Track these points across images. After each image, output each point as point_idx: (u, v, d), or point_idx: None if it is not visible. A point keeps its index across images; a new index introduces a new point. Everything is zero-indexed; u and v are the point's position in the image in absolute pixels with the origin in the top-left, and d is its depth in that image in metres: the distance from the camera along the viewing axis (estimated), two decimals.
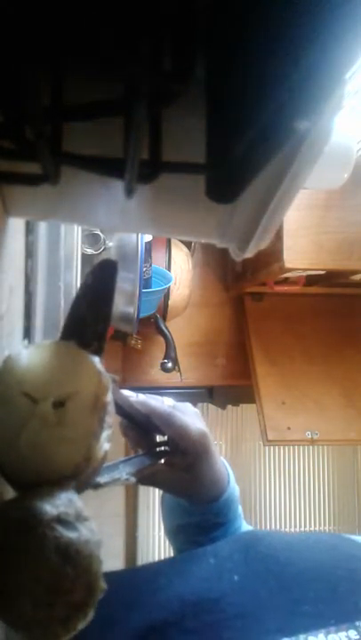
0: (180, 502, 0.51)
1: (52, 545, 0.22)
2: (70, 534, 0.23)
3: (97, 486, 0.37)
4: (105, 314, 0.29)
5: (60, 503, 0.24)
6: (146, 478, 0.47)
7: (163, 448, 0.49)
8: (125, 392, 0.47)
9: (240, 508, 0.54)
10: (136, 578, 0.46)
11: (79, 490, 0.26)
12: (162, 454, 0.49)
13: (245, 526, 0.57)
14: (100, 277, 0.30)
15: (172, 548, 0.58)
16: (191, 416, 0.48)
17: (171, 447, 0.49)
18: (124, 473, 0.42)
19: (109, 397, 0.27)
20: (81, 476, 0.25)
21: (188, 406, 0.50)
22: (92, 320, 0.29)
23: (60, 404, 0.25)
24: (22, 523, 0.23)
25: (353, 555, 0.42)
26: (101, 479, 0.39)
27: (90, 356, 0.27)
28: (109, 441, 0.27)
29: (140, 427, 0.48)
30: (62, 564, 0.23)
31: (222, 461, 0.52)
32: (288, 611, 0.36)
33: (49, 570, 0.22)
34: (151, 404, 0.47)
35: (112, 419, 0.27)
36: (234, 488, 0.52)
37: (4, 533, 0.23)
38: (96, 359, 0.27)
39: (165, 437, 0.49)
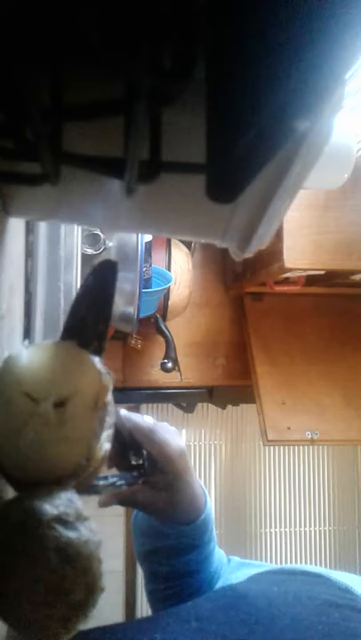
0: (153, 525, 0.51)
1: (51, 545, 0.22)
2: (70, 534, 0.23)
3: (96, 491, 0.37)
4: (105, 314, 0.29)
5: (59, 503, 0.24)
6: (126, 499, 0.48)
7: (138, 471, 0.50)
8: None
9: (215, 531, 0.54)
10: (120, 632, 0.46)
11: (80, 490, 0.26)
12: (140, 475, 0.49)
13: (218, 551, 0.57)
14: (101, 278, 0.30)
15: (143, 575, 0.58)
16: (171, 434, 0.49)
17: (150, 465, 0.49)
18: (117, 481, 0.42)
19: (110, 397, 0.27)
20: (81, 476, 0.25)
21: (166, 425, 0.51)
22: (93, 320, 0.29)
23: (60, 404, 0.25)
24: (22, 523, 0.23)
25: (332, 603, 0.43)
26: (99, 482, 0.39)
27: (90, 356, 0.27)
28: (109, 441, 0.27)
29: (122, 442, 0.49)
30: (62, 565, 0.23)
31: (199, 483, 0.52)
32: None
33: (49, 571, 0.22)
34: (134, 418, 0.48)
35: (112, 419, 0.27)
36: (210, 510, 0.52)
37: (5, 534, 0.23)
38: (96, 359, 0.27)
39: (141, 461, 0.50)
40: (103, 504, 0.48)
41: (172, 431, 0.50)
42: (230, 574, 0.56)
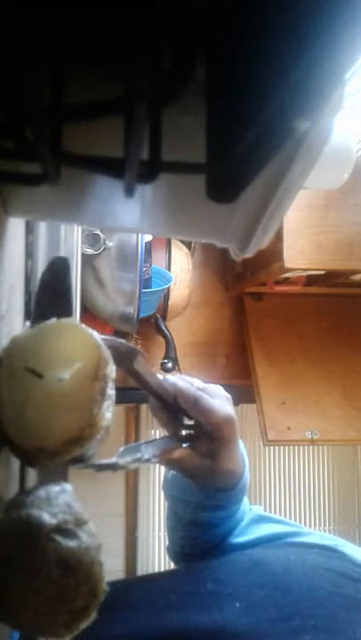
0: (187, 481, 0.50)
1: (52, 558, 0.22)
2: (70, 543, 0.23)
3: (116, 467, 0.37)
4: (64, 303, 0.32)
5: (58, 510, 0.24)
6: (173, 461, 0.46)
7: (190, 431, 0.48)
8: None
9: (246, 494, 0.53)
10: (134, 590, 0.46)
11: (99, 467, 0.28)
12: (187, 438, 0.47)
13: (246, 504, 0.56)
14: (55, 272, 0.32)
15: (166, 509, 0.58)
16: (220, 399, 0.47)
17: (197, 430, 0.47)
18: (146, 454, 0.41)
19: (110, 369, 0.27)
20: (85, 443, 0.26)
21: (218, 389, 0.49)
22: (55, 310, 0.31)
23: (62, 377, 0.26)
24: (21, 536, 0.23)
25: (348, 576, 0.42)
26: (121, 460, 0.39)
27: (90, 332, 0.28)
28: (111, 411, 0.27)
29: (168, 407, 0.47)
30: (64, 576, 0.23)
31: (241, 451, 0.51)
32: None
33: (50, 583, 0.22)
34: (179, 385, 0.46)
35: (114, 390, 0.28)
36: (247, 479, 0.51)
37: (4, 547, 0.23)
38: (95, 334, 0.28)
39: (192, 422, 0.48)
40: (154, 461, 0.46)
41: (220, 396, 0.48)
42: (249, 526, 0.55)
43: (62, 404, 0.26)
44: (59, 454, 0.25)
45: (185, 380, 0.47)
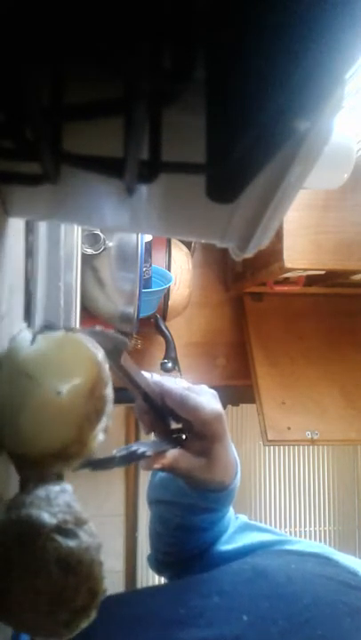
0: (176, 481, 0.50)
1: (52, 558, 0.22)
2: (70, 543, 0.23)
3: (112, 463, 0.37)
4: None
5: (58, 510, 0.24)
6: (167, 465, 0.46)
7: (178, 435, 0.48)
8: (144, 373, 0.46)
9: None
10: (141, 605, 0.45)
11: (97, 464, 0.29)
12: (177, 440, 0.47)
13: (232, 513, 0.56)
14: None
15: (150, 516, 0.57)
16: (207, 396, 0.47)
17: (186, 430, 0.47)
18: (140, 449, 0.41)
19: (109, 391, 0.27)
20: (71, 459, 0.26)
21: (203, 387, 0.49)
22: None
23: (59, 389, 0.26)
24: (21, 536, 0.23)
25: (346, 584, 0.43)
26: (118, 453, 0.38)
27: (93, 350, 0.28)
28: (105, 432, 0.27)
29: (156, 409, 0.47)
30: (64, 575, 0.23)
31: (233, 450, 0.51)
32: None
33: (50, 582, 0.22)
34: (165, 384, 0.46)
35: (110, 408, 0.28)
36: (238, 479, 0.51)
37: (4, 548, 0.23)
38: (99, 353, 0.28)
39: (180, 425, 0.48)
40: (146, 468, 0.45)
41: (207, 393, 0.48)
42: (236, 534, 0.55)
43: (54, 417, 0.26)
44: (39, 465, 0.25)
45: (169, 380, 0.47)
